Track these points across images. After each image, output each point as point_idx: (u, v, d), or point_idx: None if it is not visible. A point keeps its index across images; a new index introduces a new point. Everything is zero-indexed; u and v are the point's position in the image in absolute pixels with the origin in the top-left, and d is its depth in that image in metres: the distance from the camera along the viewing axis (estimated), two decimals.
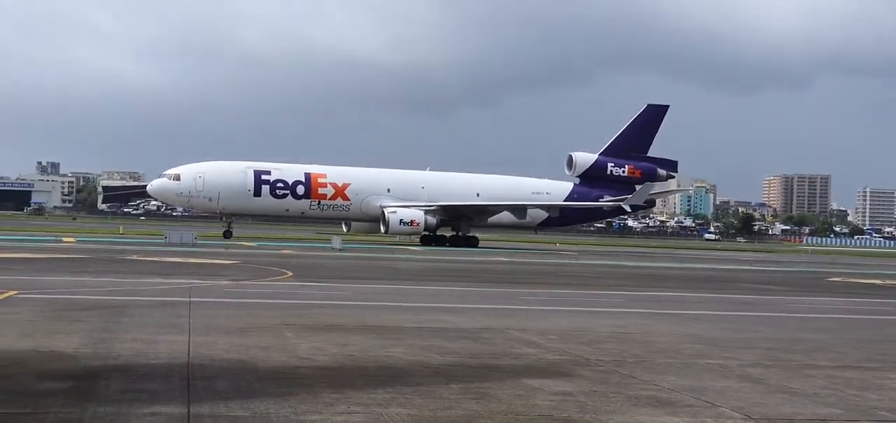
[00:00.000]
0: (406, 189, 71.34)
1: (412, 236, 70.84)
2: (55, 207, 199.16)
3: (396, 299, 23.93)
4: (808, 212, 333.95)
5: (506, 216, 72.89)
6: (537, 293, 27.52)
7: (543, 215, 74.39)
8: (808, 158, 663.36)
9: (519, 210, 71.96)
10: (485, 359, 13.68)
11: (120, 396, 9.94)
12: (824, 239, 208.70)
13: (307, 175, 69.21)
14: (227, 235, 65.66)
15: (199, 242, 54.91)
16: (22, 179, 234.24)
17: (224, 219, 68.76)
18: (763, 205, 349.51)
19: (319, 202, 69.09)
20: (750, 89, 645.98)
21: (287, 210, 69.78)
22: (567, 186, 77.24)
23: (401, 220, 66.93)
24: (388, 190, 70.53)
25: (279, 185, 67.88)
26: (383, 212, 67.70)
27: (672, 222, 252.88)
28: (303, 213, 70.53)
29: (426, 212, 68.66)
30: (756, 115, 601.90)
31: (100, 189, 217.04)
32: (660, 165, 78.95)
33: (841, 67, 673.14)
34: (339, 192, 69.28)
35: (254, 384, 10.91)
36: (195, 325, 16.11)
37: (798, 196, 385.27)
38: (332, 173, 70.46)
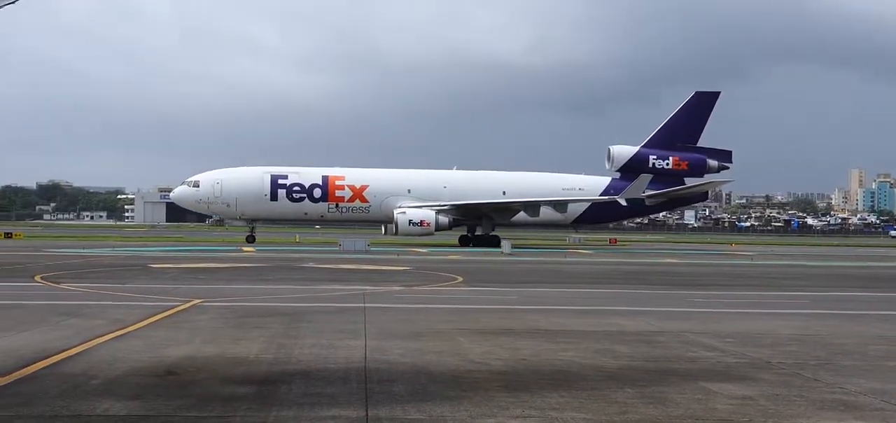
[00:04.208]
0: (427, 189, 70.60)
1: (424, 238, 69.41)
2: None
3: (566, 302, 23.78)
4: None
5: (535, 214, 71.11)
6: (712, 296, 26.82)
7: (578, 210, 72.20)
8: None
9: (532, 208, 69.99)
10: (660, 363, 13.42)
11: (301, 399, 10.24)
12: None
13: (324, 178, 69.66)
14: (250, 239, 66.83)
15: (372, 249, 56.06)
16: None
17: (246, 224, 70.47)
18: None
19: (337, 205, 69.43)
20: None
21: (305, 213, 70.33)
22: (603, 181, 73.86)
23: (410, 220, 66.19)
24: (409, 191, 70.05)
25: (296, 188, 68.69)
26: (393, 212, 67.49)
27: (854, 219, 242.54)
28: (322, 216, 70.96)
29: (438, 212, 67.63)
30: None
31: None
32: (711, 155, 74.06)
33: None
34: (357, 194, 69.44)
35: (429, 388, 11.03)
36: (370, 330, 16.44)
37: None
38: (350, 175, 70.61)
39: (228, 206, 68.44)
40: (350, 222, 77.40)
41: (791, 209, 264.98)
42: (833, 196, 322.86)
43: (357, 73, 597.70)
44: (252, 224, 70.40)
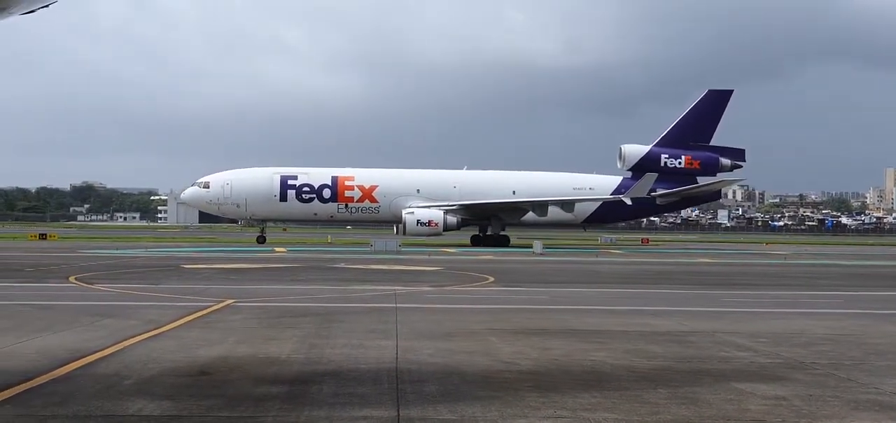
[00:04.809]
0: (437, 189, 70.75)
1: (433, 238, 69.51)
2: None
3: (597, 302, 23.69)
4: None
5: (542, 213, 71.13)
6: (744, 295, 26.62)
7: (588, 210, 72.07)
8: None
9: (540, 207, 69.85)
10: (693, 363, 13.34)
11: (333, 399, 10.26)
12: None
13: (334, 178, 70.14)
14: (261, 240, 67.73)
15: (403, 249, 56.17)
16: None
17: (257, 224, 71.28)
18: None
19: (347, 205, 69.95)
20: None
21: (315, 214, 70.80)
22: (614, 181, 73.67)
23: (418, 220, 66.35)
24: (418, 191, 70.32)
25: (305, 189, 69.24)
26: (402, 212, 67.58)
27: (890, 218, 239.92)
28: (331, 216, 71.43)
29: (447, 212, 67.75)
30: None
31: None
32: (724, 154, 73.73)
33: None
34: (367, 194, 69.87)
35: (460, 388, 11.02)
36: (402, 330, 16.45)
37: None
38: (359, 176, 71.02)
39: (238, 206, 69.03)
40: (360, 223, 77.78)
41: (825, 208, 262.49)
42: (868, 195, 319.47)
43: (378, 74, 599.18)
44: (262, 225, 71.22)
